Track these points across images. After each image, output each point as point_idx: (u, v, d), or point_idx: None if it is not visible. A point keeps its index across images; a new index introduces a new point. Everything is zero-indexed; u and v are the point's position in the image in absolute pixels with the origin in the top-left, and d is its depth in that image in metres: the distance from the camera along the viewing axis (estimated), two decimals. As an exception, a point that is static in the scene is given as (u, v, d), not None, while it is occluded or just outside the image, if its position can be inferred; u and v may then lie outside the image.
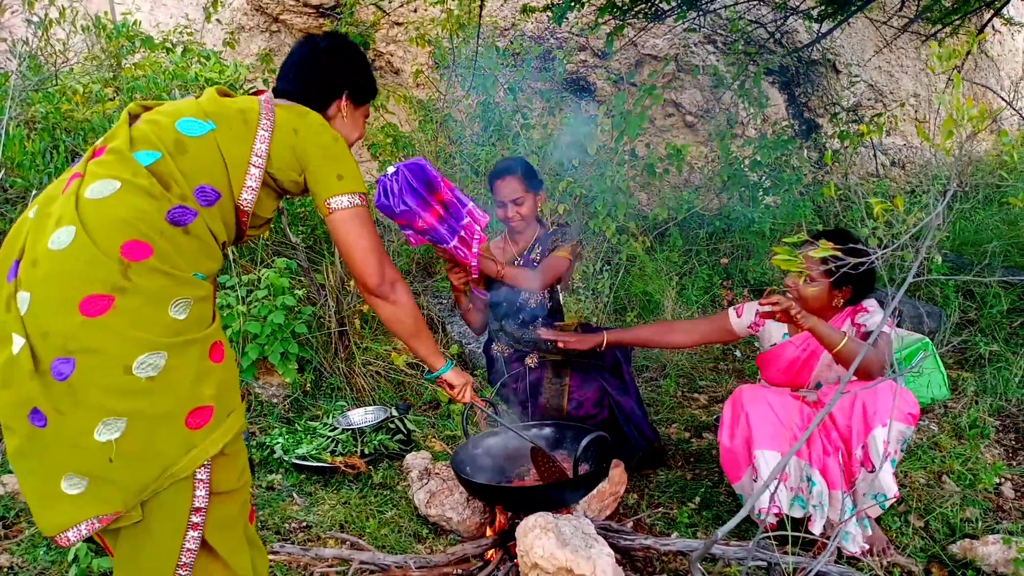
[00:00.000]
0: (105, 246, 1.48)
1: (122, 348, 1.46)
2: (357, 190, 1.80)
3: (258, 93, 1.91)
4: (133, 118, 1.71)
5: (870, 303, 2.52)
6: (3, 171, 3.19)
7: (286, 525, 2.72)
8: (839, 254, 1.44)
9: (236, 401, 1.67)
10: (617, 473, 2.71)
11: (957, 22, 5.62)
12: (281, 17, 6.53)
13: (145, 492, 1.52)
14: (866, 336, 2.43)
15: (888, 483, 2.24)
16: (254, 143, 1.71)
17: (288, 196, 1.88)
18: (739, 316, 2.81)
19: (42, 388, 1.44)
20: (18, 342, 1.45)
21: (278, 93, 1.95)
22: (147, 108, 1.75)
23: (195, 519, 1.58)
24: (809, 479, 2.35)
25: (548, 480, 2.53)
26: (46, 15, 4.08)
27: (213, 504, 1.61)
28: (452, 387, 2.31)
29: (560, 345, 2.93)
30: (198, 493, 1.58)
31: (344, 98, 1.99)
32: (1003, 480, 2.90)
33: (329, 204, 1.78)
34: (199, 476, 1.58)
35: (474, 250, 2.47)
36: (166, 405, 1.51)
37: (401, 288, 1.92)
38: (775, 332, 2.71)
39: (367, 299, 1.93)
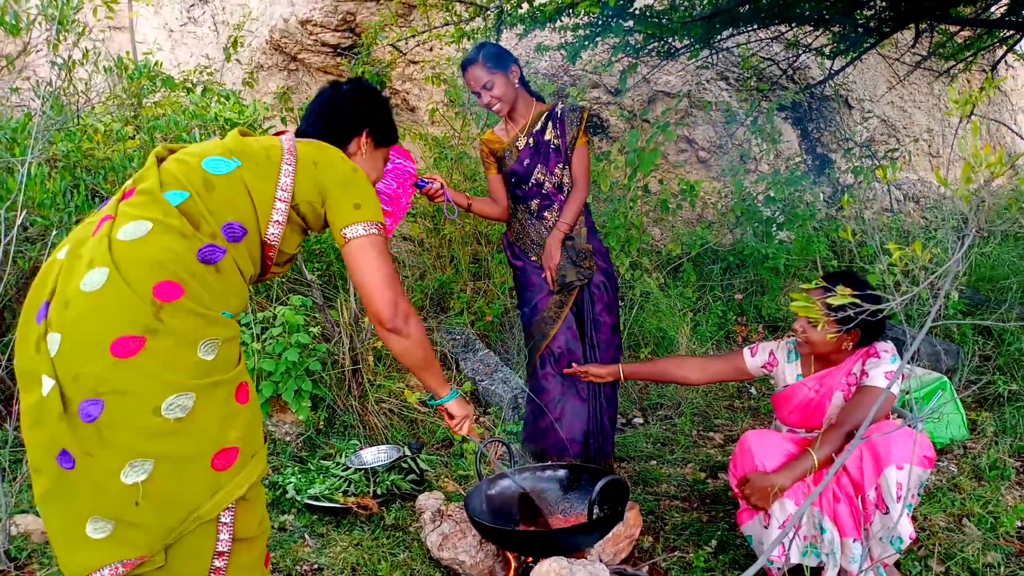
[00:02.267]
0: (138, 287, 1.50)
1: (152, 390, 1.47)
2: (374, 219, 1.81)
3: (280, 134, 1.95)
4: (160, 160, 1.74)
5: (884, 347, 2.49)
6: (24, 211, 3.23)
7: (298, 567, 2.70)
8: (857, 300, 1.44)
9: (260, 444, 1.68)
10: (632, 516, 2.68)
11: (970, 58, 5.65)
12: (299, 56, 6.64)
13: (171, 536, 1.52)
14: (861, 388, 2.43)
15: (904, 525, 2.21)
16: (279, 178, 1.74)
17: (311, 232, 1.90)
18: (753, 356, 2.79)
19: (70, 430, 1.45)
20: (48, 384, 1.46)
21: (300, 134, 1.99)
22: (173, 151, 1.79)
23: (218, 564, 1.58)
24: (821, 527, 2.32)
25: (531, 524, 2.54)
26: (69, 56, 4.17)
27: (235, 550, 1.61)
28: (452, 417, 2.29)
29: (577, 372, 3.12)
30: (222, 537, 1.58)
31: (364, 135, 2.04)
32: (1026, 524, 2.85)
33: (345, 233, 1.79)
34: (223, 519, 1.58)
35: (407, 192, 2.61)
36: (193, 447, 1.52)
37: (414, 321, 1.90)
38: (789, 373, 2.69)
39: (379, 332, 1.91)
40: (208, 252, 1.60)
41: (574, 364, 3.15)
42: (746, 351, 2.82)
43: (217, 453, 1.55)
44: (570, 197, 3.18)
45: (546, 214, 3.20)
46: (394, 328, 1.85)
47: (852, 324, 2.17)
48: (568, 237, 3.16)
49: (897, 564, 2.50)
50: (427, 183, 2.96)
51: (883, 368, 2.41)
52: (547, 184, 3.18)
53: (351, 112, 2.02)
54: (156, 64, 4.61)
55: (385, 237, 1.84)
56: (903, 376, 2.49)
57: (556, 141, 3.15)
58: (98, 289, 1.49)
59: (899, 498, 2.17)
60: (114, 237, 1.55)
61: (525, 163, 3.16)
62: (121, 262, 1.52)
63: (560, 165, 3.16)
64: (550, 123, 3.15)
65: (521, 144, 3.15)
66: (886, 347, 2.49)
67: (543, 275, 3.18)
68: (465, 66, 3.05)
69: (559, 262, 3.13)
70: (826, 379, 2.57)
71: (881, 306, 1.46)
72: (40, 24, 3.96)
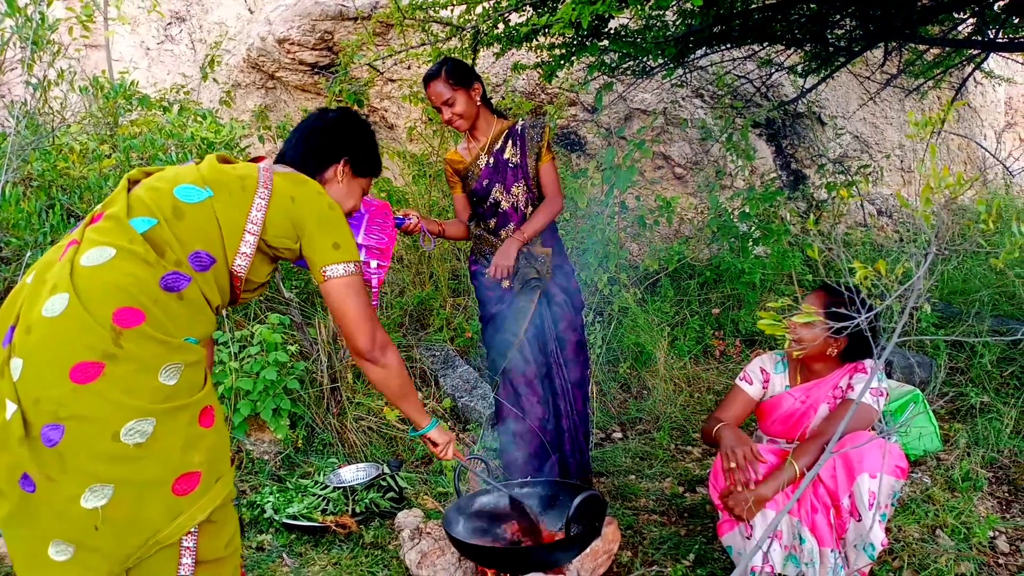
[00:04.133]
0: (97, 313, 1.50)
1: (111, 415, 1.48)
2: (352, 259, 1.85)
3: (258, 160, 1.95)
4: (133, 183, 1.74)
5: (872, 364, 2.51)
6: (-2, 231, 3.22)
7: (276, 587, 2.69)
8: (821, 319, 1.47)
9: (225, 467, 1.67)
10: (611, 531, 2.69)
11: (939, 76, 5.76)
12: (277, 74, 6.65)
13: (130, 560, 1.52)
14: (846, 400, 2.46)
15: (875, 533, 2.24)
16: (250, 211, 1.74)
17: (283, 261, 1.91)
18: (750, 384, 2.73)
19: (32, 454, 1.45)
20: (11, 408, 1.46)
21: (281, 158, 2.00)
22: (148, 174, 1.79)
23: (185, 560, 1.58)
24: (800, 537, 2.35)
25: (524, 533, 2.55)
26: (44, 76, 4.15)
27: (199, 573, 1.60)
28: (435, 444, 2.35)
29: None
30: (184, 561, 1.58)
31: (343, 163, 2.04)
32: (997, 533, 2.89)
33: (324, 272, 1.82)
34: (185, 544, 1.58)
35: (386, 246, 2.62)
36: (154, 472, 1.52)
37: (391, 353, 1.96)
38: (778, 383, 2.70)
39: (357, 362, 1.96)
40: (172, 280, 1.61)
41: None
42: (740, 384, 2.74)
43: (178, 478, 1.55)
44: (540, 207, 3.14)
45: (502, 233, 3.17)
46: (372, 358, 1.92)
47: (846, 329, 2.21)
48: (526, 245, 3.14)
49: (872, 574, 2.53)
50: (404, 220, 2.94)
51: (868, 382, 2.45)
52: (503, 203, 3.15)
53: (333, 139, 2.03)
54: (132, 83, 4.60)
55: (362, 274, 1.88)
56: (884, 393, 2.51)
57: (515, 159, 3.11)
58: (58, 315, 1.49)
59: (871, 506, 2.20)
60: (77, 263, 1.56)
61: (484, 183, 3.14)
62: (82, 288, 1.52)
63: (517, 184, 3.13)
64: (510, 141, 3.13)
65: (482, 163, 3.14)
66: (872, 364, 2.52)
67: (494, 275, 3.08)
68: (427, 81, 3.02)
69: (512, 264, 3.06)
70: (812, 391, 2.60)
71: (849, 323, 1.49)
72: (14, 44, 3.95)
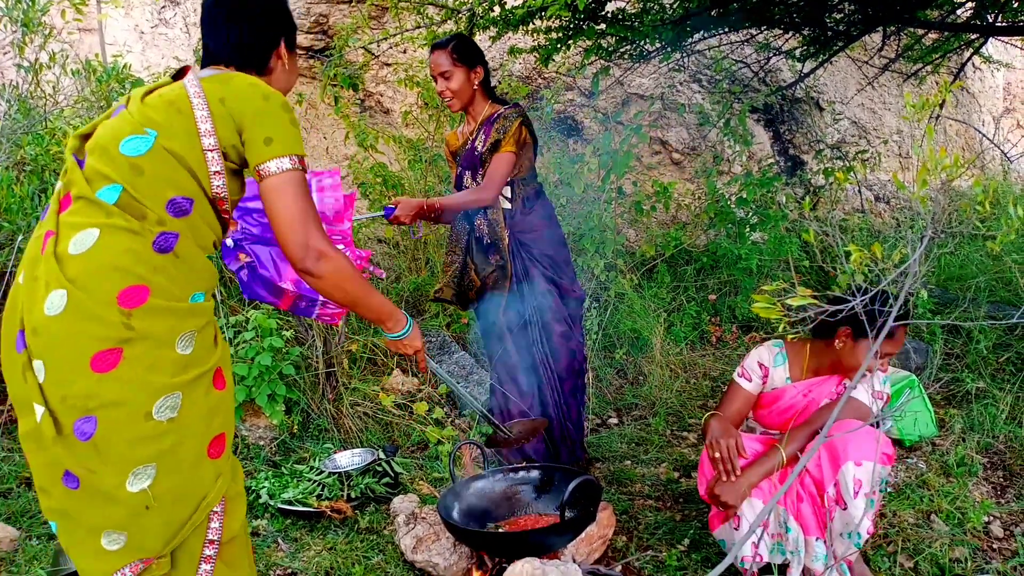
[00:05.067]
0: (102, 300, 1.48)
1: (140, 396, 1.49)
2: (287, 152, 1.63)
3: (184, 72, 1.76)
4: (78, 155, 1.65)
5: (876, 368, 2.48)
6: (-10, 215, 3.20)
7: (271, 572, 2.69)
8: (815, 302, 1.46)
9: (232, 423, 1.71)
10: (606, 516, 2.69)
11: (937, 61, 5.74)
12: (271, 58, 6.59)
13: (181, 535, 1.56)
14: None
15: (862, 521, 2.23)
16: (199, 131, 1.60)
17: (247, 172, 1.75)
18: (749, 380, 2.66)
19: (68, 451, 1.48)
20: (39, 411, 1.47)
21: (210, 58, 1.81)
22: (84, 137, 1.68)
23: (208, 552, 1.62)
24: (786, 526, 2.34)
25: (503, 442, 2.63)
26: (36, 59, 4.12)
27: (221, 553, 1.66)
28: (404, 348, 2.06)
29: None
30: (212, 525, 1.62)
31: (283, 45, 1.85)
32: (991, 518, 2.89)
33: (259, 172, 1.63)
34: (215, 508, 1.63)
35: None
36: (190, 442, 1.56)
37: (326, 264, 1.66)
38: (778, 377, 2.65)
39: (298, 275, 1.77)
40: (162, 241, 1.55)
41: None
42: (738, 380, 2.68)
43: (210, 443, 1.60)
44: (468, 190, 3.06)
45: (477, 220, 3.12)
46: (304, 269, 1.66)
47: (839, 323, 2.17)
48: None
49: (867, 560, 2.53)
50: (392, 210, 2.87)
51: (871, 383, 2.43)
52: (482, 227, 3.13)
53: (262, 21, 1.80)
54: (125, 67, 4.56)
55: (302, 171, 1.66)
56: (885, 397, 2.50)
57: (480, 147, 3.07)
58: (61, 312, 1.47)
59: (856, 494, 2.19)
60: (64, 253, 1.51)
61: (459, 169, 3.15)
62: (77, 278, 1.49)
63: (479, 173, 3.09)
64: (483, 129, 3.08)
65: (467, 148, 3.13)
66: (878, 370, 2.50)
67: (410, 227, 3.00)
68: (432, 49, 3.02)
69: (410, 215, 2.90)
70: (816, 386, 2.56)
71: (843, 307, 1.48)
72: (5, 26, 3.91)
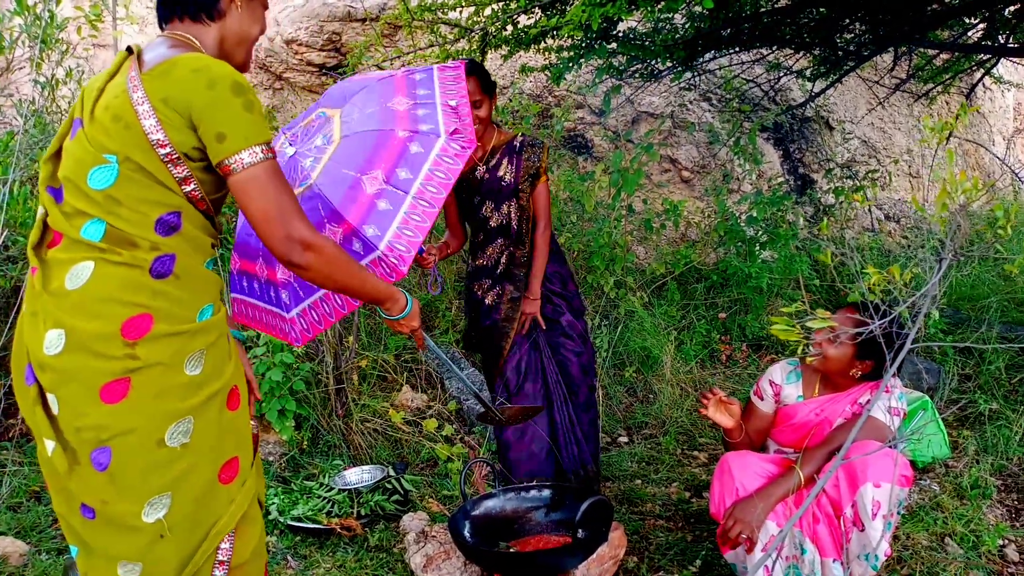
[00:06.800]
0: (103, 335, 1.45)
1: (152, 423, 1.48)
2: (244, 146, 1.46)
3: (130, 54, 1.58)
4: (52, 184, 1.55)
5: (895, 383, 2.48)
6: (6, 230, 3.21)
7: (281, 590, 2.68)
8: (836, 324, 1.45)
9: (251, 448, 1.69)
10: (617, 536, 2.68)
11: (948, 81, 5.74)
12: (284, 75, 6.65)
13: (197, 556, 1.55)
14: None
15: (880, 543, 2.21)
16: (151, 143, 1.46)
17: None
18: (763, 399, 2.70)
19: (81, 484, 1.48)
20: (49, 446, 1.48)
21: (163, 20, 1.67)
22: (57, 156, 1.57)
23: (218, 573, 1.60)
24: (801, 547, 2.32)
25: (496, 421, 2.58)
26: (53, 75, 4.16)
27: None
28: (402, 328, 1.92)
29: None
30: (223, 546, 1.60)
31: None
32: (1007, 542, 2.87)
33: (220, 170, 1.49)
34: (222, 545, 1.61)
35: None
36: (203, 468, 1.54)
37: (312, 254, 1.52)
38: (790, 395, 2.67)
39: (288, 269, 1.66)
40: (159, 265, 1.49)
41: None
42: (753, 398, 2.73)
43: (222, 468, 1.58)
44: (537, 246, 3.09)
45: (488, 249, 3.14)
46: (291, 263, 1.52)
47: (868, 354, 2.16)
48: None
49: (881, 583, 2.51)
50: (422, 251, 2.77)
51: (888, 402, 2.42)
52: (492, 221, 3.11)
53: None
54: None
55: (270, 159, 1.48)
56: (902, 413, 2.48)
57: (508, 177, 3.06)
58: (61, 351, 1.46)
59: (874, 516, 2.18)
60: (60, 288, 1.47)
61: (476, 199, 3.11)
62: (76, 315, 1.45)
63: (509, 203, 3.08)
64: (506, 159, 3.07)
65: (478, 173, 3.09)
66: (896, 383, 2.49)
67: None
68: (470, 72, 2.85)
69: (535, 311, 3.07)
70: (829, 404, 2.56)
71: (863, 329, 1.47)
72: (23, 42, 3.95)
